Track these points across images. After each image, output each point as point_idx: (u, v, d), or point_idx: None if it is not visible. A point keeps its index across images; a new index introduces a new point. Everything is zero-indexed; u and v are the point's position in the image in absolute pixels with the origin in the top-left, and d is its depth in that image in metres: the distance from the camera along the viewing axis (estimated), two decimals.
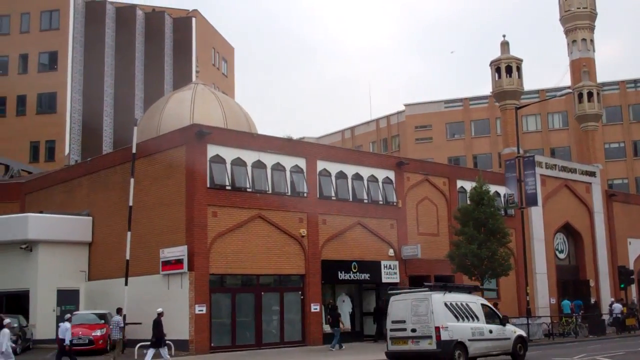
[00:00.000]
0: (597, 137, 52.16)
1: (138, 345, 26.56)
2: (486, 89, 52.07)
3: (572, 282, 45.59)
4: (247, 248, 30.68)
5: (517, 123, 38.03)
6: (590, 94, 50.64)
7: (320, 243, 33.21)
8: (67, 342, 23.19)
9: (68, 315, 24.99)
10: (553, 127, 73.81)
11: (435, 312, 21.54)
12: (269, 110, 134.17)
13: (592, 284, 46.78)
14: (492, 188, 36.53)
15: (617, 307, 40.41)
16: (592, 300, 44.55)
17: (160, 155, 31.55)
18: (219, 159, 30.44)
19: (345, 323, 33.35)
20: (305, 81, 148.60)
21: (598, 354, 25.03)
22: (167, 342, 26.41)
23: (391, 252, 36.29)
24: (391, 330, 22.68)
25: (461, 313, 22.43)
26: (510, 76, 46.47)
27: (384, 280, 35.58)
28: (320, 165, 34.22)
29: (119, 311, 25.85)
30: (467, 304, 22.89)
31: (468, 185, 38.64)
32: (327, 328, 33.09)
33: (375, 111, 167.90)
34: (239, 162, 31.07)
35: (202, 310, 28.52)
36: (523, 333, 25.00)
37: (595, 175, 48.72)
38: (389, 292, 24.89)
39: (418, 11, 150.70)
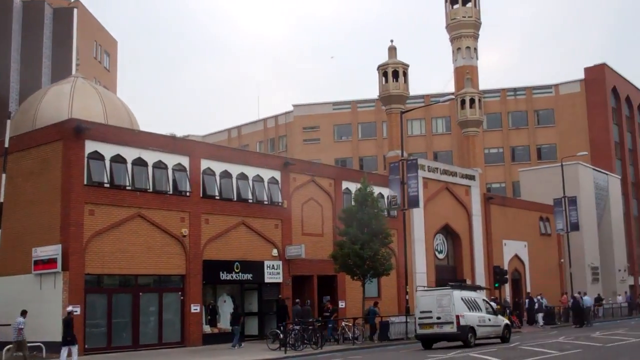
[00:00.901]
0: (478, 142, 53.95)
1: (6, 348, 25.27)
2: (374, 92, 52.83)
3: (450, 281, 46.90)
4: (125, 248, 29.87)
5: (402, 127, 38.77)
6: (472, 101, 52.24)
7: (202, 243, 32.74)
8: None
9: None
10: (437, 132, 76.15)
11: (455, 304, 28.30)
12: (154, 108, 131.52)
13: (468, 282, 48.44)
14: (377, 190, 37.24)
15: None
16: None
17: (36, 151, 30.27)
18: (97, 156, 29.48)
19: (226, 324, 33.10)
20: (193, 80, 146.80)
21: (471, 350, 25.84)
22: (39, 344, 25.46)
23: (275, 252, 36.23)
24: (420, 318, 29.09)
25: (471, 305, 29.31)
26: (397, 81, 47.28)
27: (267, 280, 35.61)
28: (205, 164, 33.73)
29: (23, 313, 24.67)
30: (474, 299, 30.12)
31: (353, 187, 39.07)
32: (207, 329, 32.79)
33: (263, 111, 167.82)
34: (118, 159, 30.19)
35: (76, 312, 27.45)
36: (508, 322, 32.55)
37: (475, 179, 50.50)
38: (418, 289, 30.96)
39: (311, 13, 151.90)
